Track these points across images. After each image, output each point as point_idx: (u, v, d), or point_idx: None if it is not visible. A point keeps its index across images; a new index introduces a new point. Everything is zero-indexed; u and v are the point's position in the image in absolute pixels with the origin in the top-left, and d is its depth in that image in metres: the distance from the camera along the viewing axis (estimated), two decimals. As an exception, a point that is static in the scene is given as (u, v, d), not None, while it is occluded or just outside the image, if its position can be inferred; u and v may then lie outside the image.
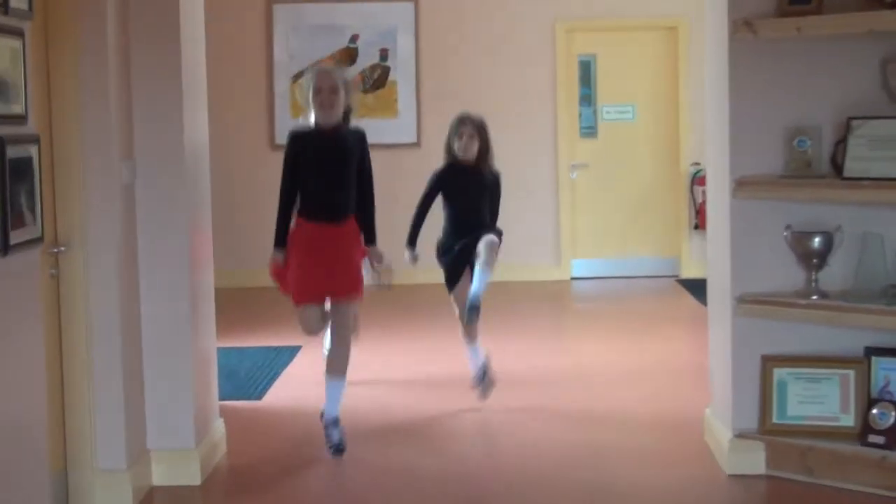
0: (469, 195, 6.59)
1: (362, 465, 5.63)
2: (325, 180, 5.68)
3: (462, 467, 5.62)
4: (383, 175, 11.05)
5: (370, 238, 5.92)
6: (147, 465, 5.27)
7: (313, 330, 6.04)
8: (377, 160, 10.91)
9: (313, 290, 5.79)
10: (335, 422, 5.71)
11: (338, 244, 5.74)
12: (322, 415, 5.79)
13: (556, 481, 5.34)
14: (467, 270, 6.50)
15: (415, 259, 6.67)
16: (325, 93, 5.58)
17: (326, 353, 6.36)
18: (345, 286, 5.80)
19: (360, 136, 5.83)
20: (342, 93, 5.64)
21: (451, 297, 6.66)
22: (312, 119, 5.66)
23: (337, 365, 5.83)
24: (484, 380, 6.51)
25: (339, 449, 5.60)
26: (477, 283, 6.36)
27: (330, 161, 5.67)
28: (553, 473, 5.46)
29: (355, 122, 5.91)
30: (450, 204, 6.64)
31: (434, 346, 8.09)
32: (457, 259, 6.54)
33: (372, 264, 5.98)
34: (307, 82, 5.72)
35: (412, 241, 6.72)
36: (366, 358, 7.18)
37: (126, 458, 5.03)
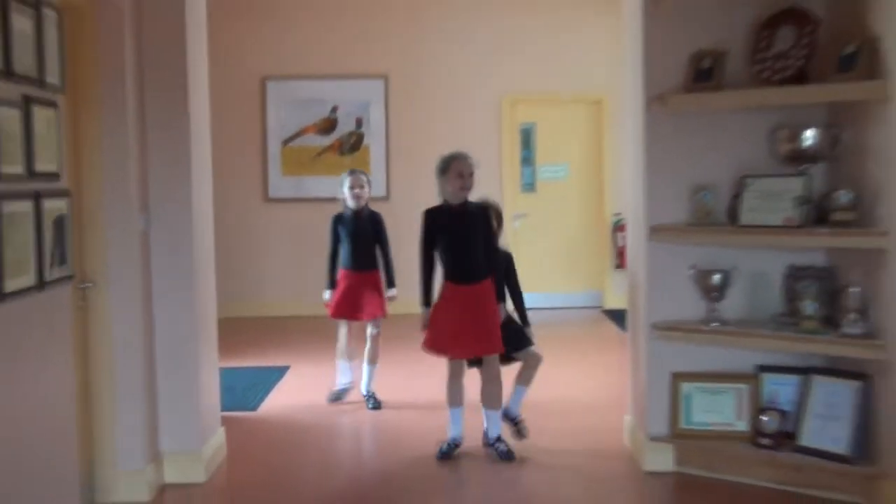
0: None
1: (343, 470, 5.60)
2: (459, 248, 5.58)
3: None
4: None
5: (500, 296, 5.72)
6: (160, 465, 5.23)
7: (457, 375, 5.74)
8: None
9: (464, 347, 5.62)
10: (500, 439, 5.62)
11: (475, 304, 5.55)
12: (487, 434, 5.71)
13: (493, 476, 5.35)
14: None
15: None
16: (466, 177, 5.52)
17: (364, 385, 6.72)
18: (488, 346, 5.58)
19: (482, 210, 5.71)
20: (472, 178, 5.60)
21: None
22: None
23: (490, 401, 5.64)
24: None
25: (507, 455, 5.55)
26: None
27: (461, 233, 5.57)
28: (491, 468, 5.46)
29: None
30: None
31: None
32: None
33: None
34: (443, 165, 5.59)
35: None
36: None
37: (143, 459, 5.00)
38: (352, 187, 6.90)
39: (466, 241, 5.58)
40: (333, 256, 7.02)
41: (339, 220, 7.02)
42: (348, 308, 6.91)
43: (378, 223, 6.98)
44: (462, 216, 5.58)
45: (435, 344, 5.65)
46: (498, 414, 5.65)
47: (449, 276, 5.61)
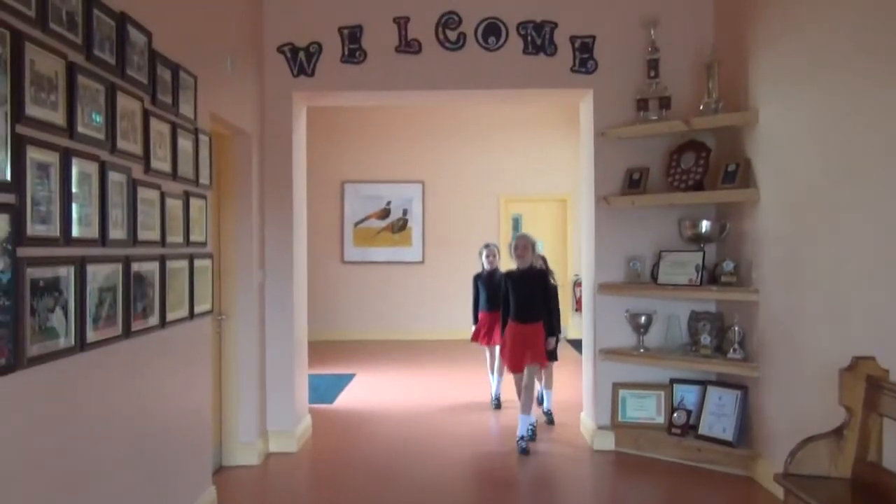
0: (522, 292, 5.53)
1: (390, 444, 5.56)
2: (521, 299, 5.44)
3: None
4: (404, 277, 11.17)
5: (550, 332, 5.52)
6: (266, 439, 5.21)
7: (519, 384, 5.51)
8: (399, 272, 11.14)
9: (517, 364, 5.44)
10: (522, 438, 5.28)
11: (529, 336, 5.41)
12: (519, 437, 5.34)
13: (504, 451, 5.29)
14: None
15: None
16: (520, 249, 5.43)
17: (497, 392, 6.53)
18: (535, 358, 5.41)
19: (542, 274, 5.57)
20: (531, 250, 5.47)
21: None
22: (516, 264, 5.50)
23: (525, 407, 5.37)
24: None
25: (524, 451, 5.22)
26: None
27: (523, 287, 5.44)
28: (507, 449, 5.38)
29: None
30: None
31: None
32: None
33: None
34: (510, 245, 5.56)
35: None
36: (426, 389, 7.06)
37: (255, 435, 4.99)
38: (487, 256, 6.67)
39: (526, 293, 5.44)
40: (476, 302, 6.68)
41: (478, 277, 6.71)
42: (485, 338, 6.59)
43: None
44: (524, 276, 5.46)
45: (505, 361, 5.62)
46: (527, 417, 5.36)
47: (513, 317, 5.45)
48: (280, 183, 5.29)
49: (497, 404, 6.67)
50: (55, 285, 2.44)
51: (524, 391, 5.42)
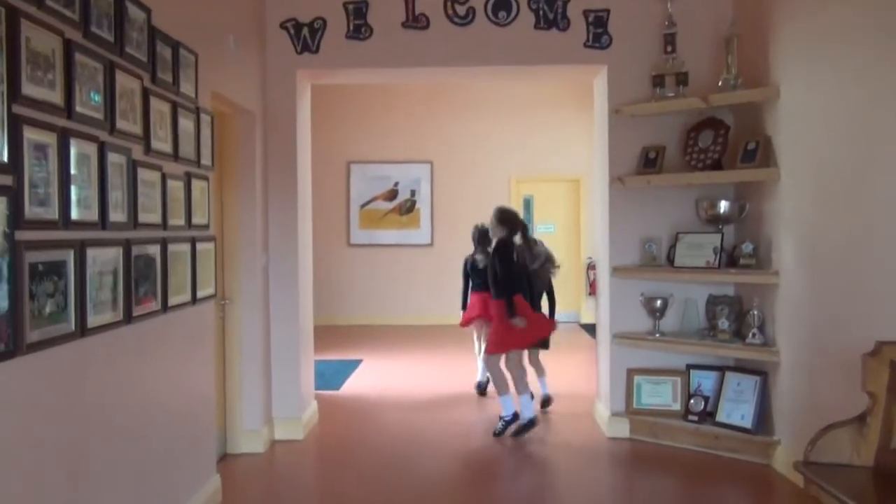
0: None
1: (395, 428, 5.59)
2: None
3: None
4: (412, 260, 11.17)
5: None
6: (272, 426, 5.23)
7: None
8: (406, 255, 11.14)
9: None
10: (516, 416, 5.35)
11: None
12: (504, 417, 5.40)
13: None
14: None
15: None
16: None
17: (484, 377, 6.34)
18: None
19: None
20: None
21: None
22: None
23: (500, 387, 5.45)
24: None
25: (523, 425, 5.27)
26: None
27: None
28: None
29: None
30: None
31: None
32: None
33: None
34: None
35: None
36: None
37: (260, 422, 5.01)
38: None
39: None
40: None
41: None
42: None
43: None
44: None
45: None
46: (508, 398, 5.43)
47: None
48: (284, 163, 5.28)
49: (481, 382, 6.62)
50: (55, 269, 2.44)
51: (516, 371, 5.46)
